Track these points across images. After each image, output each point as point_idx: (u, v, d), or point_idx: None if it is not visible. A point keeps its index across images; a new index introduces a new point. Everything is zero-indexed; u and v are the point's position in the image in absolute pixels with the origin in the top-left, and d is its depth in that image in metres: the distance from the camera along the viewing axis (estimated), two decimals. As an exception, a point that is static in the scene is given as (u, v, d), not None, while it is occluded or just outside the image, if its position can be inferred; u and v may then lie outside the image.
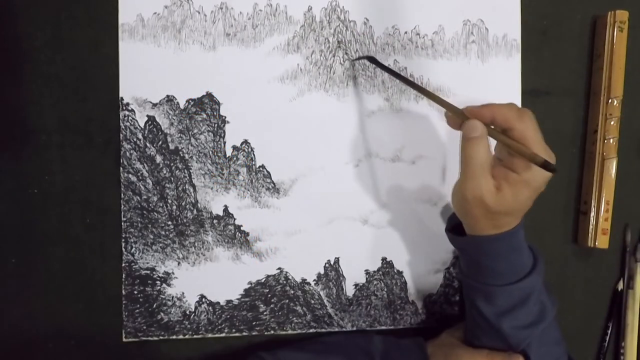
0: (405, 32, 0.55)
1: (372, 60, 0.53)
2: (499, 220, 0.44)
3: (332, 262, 0.55)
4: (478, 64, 0.56)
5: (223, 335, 0.54)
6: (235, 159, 0.53)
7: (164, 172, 0.52)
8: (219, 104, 0.53)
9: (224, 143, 0.53)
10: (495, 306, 0.46)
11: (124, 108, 0.51)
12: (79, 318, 0.52)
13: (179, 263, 0.53)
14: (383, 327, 0.56)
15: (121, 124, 0.51)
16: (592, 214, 0.57)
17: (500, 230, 0.44)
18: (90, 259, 0.52)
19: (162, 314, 0.53)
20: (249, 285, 0.54)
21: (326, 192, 0.54)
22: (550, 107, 0.58)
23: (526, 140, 0.41)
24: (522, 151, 0.41)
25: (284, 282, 0.54)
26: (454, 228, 0.50)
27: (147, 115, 0.52)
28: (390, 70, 0.52)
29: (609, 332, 0.60)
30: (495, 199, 0.42)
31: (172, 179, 0.53)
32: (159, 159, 0.52)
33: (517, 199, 0.42)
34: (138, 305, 0.52)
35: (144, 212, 0.52)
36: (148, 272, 0.52)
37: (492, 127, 0.44)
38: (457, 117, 0.45)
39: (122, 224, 0.52)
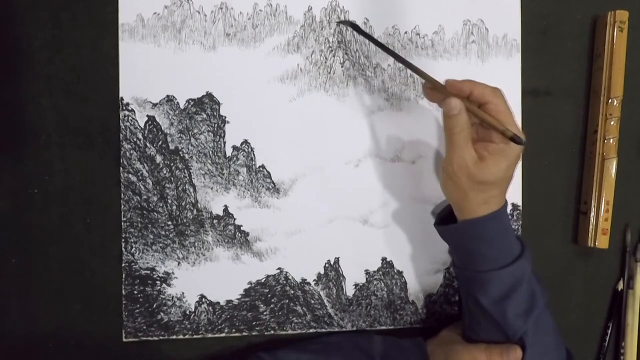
0: (405, 32, 0.55)
1: (355, 26, 0.53)
2: (486, 192, 0.46)
3: (332, 262, 0.55)
4: (478, 64, 0.56)
5: (223, 335, 0.54)
6: (235, 159, 0.53)
7: (164, 172, 0.52)
8: (219, 104, 0.53)
9: (224, 143, 0.53)
10: (489, 294, 0.47)
11: (124, 108, 0.51)
12: (79, 318, 0.52)
13: (179, 263, 0.53)
14: (383, 327, 0.56)
15: (121, 124, 0.51)
16: (592, 214, 0.57)
17: (489, 208, 0.46)
18: (90, 259, 0.52)
19: (162, 314, 0.53)
20: (249, 285, 0.54)
21: (326, 192, 0.54)
22: (550, 107, 0.58)
23: (500, 113, 0.45)
24: (495, 125, 0.45)
25: (284, 282, 0.54)
26: (442, 222, 0.52)
27: (147, 115, 0.52)
28: (370, 37, 0.53)
29: (609, 332, 0.60)
30: (479, 167, 0.45)
31: (172, 179, 0.53)
32: (159, 159, 0.52)
33: (498, 167, 0.46)
34: (138, 305, 0.52)
35: (144, 212, 0.52)
36: (148, 272, 0.52)
37: (469, 102, 0.46)
38: (439, 91, 0.47)
39: (122, 224, 0.52)
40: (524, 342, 0.47)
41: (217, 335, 0.54)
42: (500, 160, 0.46)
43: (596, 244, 0.56)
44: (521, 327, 0.47)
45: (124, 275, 0.52)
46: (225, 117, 0.53)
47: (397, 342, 0.52)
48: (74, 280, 0.52)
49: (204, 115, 0.53)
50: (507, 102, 0.46)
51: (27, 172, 0.51)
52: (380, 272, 0.56)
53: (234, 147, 0.53)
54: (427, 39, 0.55)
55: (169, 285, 0.53)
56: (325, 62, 0.54)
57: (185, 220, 0.53)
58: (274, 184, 0.54)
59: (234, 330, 0.54)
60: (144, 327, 0.52)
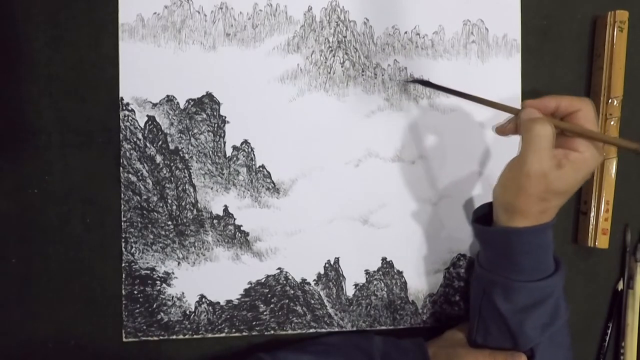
0: (405, 32, 0.55)
1: (425, 83, 0.54)
2: (550, 202, 0.44)
3: (332, 262, 0.55)
4: (478, 64, 0.56)
5: (223, 335, 0.54)
6: (235, 159, 0.53)
7: (164, 172, 0.52)
8: (219, 104, 0.53)
9: (224, 143, 0.53)
10: (513, 302, 0.46)
11: (124, 108, 0.51)
12: (79, 318, 0.52)
13: (179, 263, 0.53)
14: (383, 327, 0.56)
15: (121, 124, 0.51)
16: (592, 214, 0.57)
17: (541, 219, 0.45)
18: (90, 259, 0.52)
19: (162, 314, 0.53)
20: (249, 285, 0.54)
21: (326, 192, 0.54)
22: (550, 107, 0.58)
23: (589, 122, 0.44)
24: (613, 141, 0.45)
25: (284, 282, 0.54)
26: (478, 221, 0.50)
27: (147, 115, 0.52)
28: (443, 88, 0.53)
29: (609, 332, 0.60)
30: (557, 175, 0.43)
31: (172, 179, 0.53)
32: (159, 159, 0.52)
33: (576, 177, 0.44)
34: (138, 305, 0.52)
35: (144, 212, 0.52)
36: (148, 272, 0.52)
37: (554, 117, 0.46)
38: (515, 114, 0.46)
39: (122, 224, 0.52)
40: (533, 353, 0.46)
41: (217, 335, 0.54)
42: (581, 170, 0.44)
43: (596, 244, 0.56)
44: (535, 339, 0.46)
45: (124, 275, 0.52)
46: (225, 117, 0.53)
47: (397, 343, 0.52)
48: (74, 280, 0.51)
49: (204, 115, 0.53)
50: (595, 111, 0.45)
51: (27, 172, 0.51)
52: (380, 272, 0.56)
53: (234, 147, 0.53)
54: (427, 39, 0.55)
55: (169, 285, 0.53)
56: (325, 62, 0.54)
57: (185, 220, 0.53)
58: (274, 184, 0.54)
59: (234, 330, 0.54)
60: (144, 327, 0.52)
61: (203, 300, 0.53)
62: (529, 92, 0.57)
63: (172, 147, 0.52)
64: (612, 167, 0.56)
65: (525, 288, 0.45)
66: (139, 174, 0.52)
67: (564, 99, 0.45)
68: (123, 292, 0.52)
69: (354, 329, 0.56)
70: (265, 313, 0.54)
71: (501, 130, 0.49)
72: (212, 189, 0.53)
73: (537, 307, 0.45)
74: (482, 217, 0.50)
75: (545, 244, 0.46)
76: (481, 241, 0.50)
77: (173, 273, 0.53)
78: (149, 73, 0.51)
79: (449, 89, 0.53)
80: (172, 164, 0.53)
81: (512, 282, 0.46)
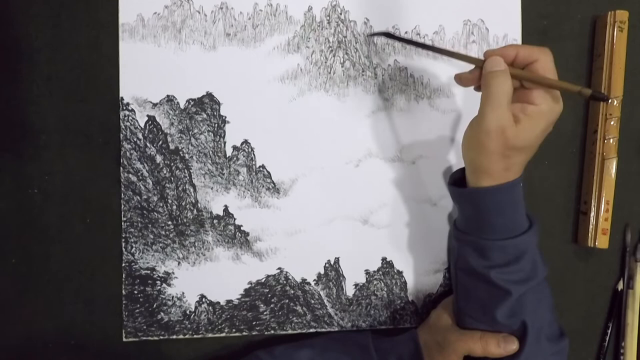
0: (406, 32, 0.55)
1: (389, 35, 0.53)
2: (512, 158, 0.44)
3: (332, 262, 0.55)
4: (478, 64, 0.56)
5: (223, 335, 0.54)
6: (235, 159, 0.53)
7: (164, 172, 0.52)
8: (219, 104, 0.53)
9: (224, 143, 0.53)
10: (488, 260, 0.46)
11: (124, 108, 0.51)
12: (79, 318, 0.52)
13: (179, 263, 0.53)
14: (383, 327, 0.56)
15: (121, 124, 0.51)
16: (592, 214, 0.57)
17: (506, 177, 0.45)
18: (90, 259, 0.52)
19: (162, 313, 0.53)
20: (249, 285, 0.54)
21: (326, 192, 0.54)
22: (550, 107, 0.58)
23: (548, 72, 0.44)
24: (565, 87, 0.43)
25: (284, 282, 0.54)
26: (455, 183, 0.50)
27: (147, 115, 0.52)
28: (407, 40, 0.53)
29: (609, 332, 0.60)
30: (515, 131, 0.43)
31: (172, 179, 0.53)
32: (159, 159, 0.52)
33: (534, 130, 0.44)
34: (138, 305, 0.52)
35: (144, 212, 0.52)
36: (148, 272, 0.52)
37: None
38: (478, 65, 0.46)
39: (122, 224, 0.52)
40: (525, 325, 0.46)
41: (217, 335, 0.54)
42: (538, 123, 0.44)
43: (596, 244, 0.56)
44: (514, 294, 0.46)
45: (124, 275, 0.52)
46: (226, 117, 0.53)
47: (391, 338, 0.52)
48: (74, 280, 0.52)
49: (204, 115, 0.53)
50: (553, 61, 0.44)
51: (27, 172, 0.51)
52: (380, 272, 0.56)
53: (234, 147, 0.53)
54: (427, 39, 0.55)
55: (169, 285, 0.53)
56: (326, 62, 0.54)
57: (185, 220, 0.53)
58: (274, 184, 0.54)
59: (234, 330, 0.54)
60: (144, 327, 0.52)
61: (203, 300, 0.53)
62: (529, 92, 0.57)
63: (172, 147, 0.52)
64: (612, 167, 0.56)
65: (498, 246, 0.46)
66: (139, 174, 0.52)
67: (522, 48, 0.45)
68: (123, 292, 0.52)
69: (354, 329, 0.56)
70: (265, 313, 0.54)
71: (460, 78, 0.48)
72: (212, 189, 0.53)
73: (513, 264, 0.46)
74: (459, 180, 0.50)
75: (514, 202, 0.46)
76: (456, 203, 0.51)
77: (173, 273, 0.53)
78: (149, 73, 0.51)
79: (413, 41, 0.53)
80: (172, 164, 0.53)
81: (485, 241, 0.46)
